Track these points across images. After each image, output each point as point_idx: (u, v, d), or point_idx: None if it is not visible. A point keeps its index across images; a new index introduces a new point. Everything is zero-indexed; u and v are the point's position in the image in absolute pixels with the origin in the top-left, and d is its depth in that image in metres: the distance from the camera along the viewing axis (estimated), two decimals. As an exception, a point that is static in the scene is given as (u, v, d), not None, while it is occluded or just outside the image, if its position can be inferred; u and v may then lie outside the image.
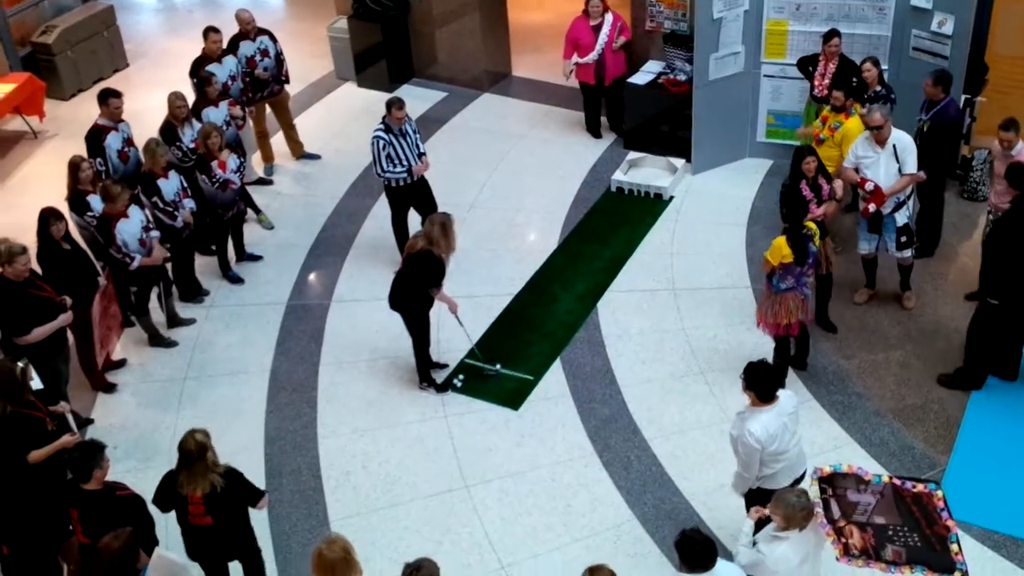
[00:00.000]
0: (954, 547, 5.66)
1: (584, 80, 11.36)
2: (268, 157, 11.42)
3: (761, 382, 6.11)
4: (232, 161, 9.38)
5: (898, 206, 8.47)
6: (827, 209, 8.29)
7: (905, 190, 8.46)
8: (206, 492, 5.95)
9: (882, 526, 5.80)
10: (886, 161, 8.36)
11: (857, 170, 8.48)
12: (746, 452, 6.14)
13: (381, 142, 9.13)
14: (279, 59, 10.96)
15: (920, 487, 5.85)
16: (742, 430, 6.12)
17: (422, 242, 7.94)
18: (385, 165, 9.18)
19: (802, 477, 6.44)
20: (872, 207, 8.36)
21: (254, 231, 10.38)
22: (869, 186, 8.34)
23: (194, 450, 5.92)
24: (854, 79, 9.36)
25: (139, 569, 5.52)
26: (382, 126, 9.18)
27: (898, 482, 5.89)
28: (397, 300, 8.17)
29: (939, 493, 5.78)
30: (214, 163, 9.21)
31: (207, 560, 6.35)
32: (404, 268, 8.13)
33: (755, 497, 6.42)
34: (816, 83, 9.84)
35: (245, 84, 10.70)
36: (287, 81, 11.16)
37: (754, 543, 5.68)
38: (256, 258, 10.10)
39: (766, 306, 7.87)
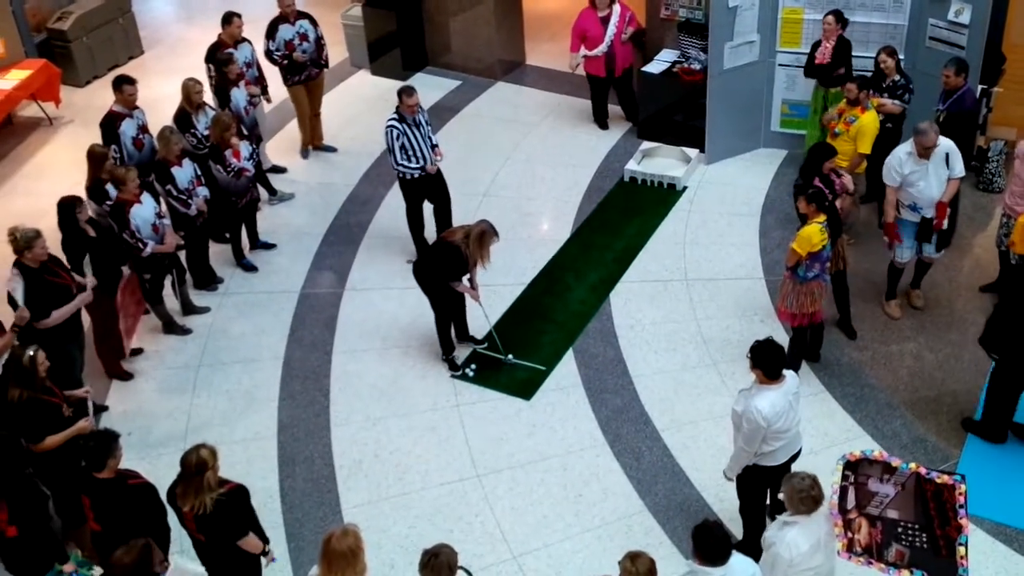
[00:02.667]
0: (961, 550, 5.66)
1: (594, 73, 11.29)
2: (315, 139, 11.50)
3: (768, 359, 6.16)
4: (245, 149, 9.40)
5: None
6: (842, 203, 8.21)
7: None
8: (196, 512, 5.78)
9: (893, 522, 5.79)
10: (935, 170, 8.15)
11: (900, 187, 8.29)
12: (751, 428, 6.18)
13: (395, 131, 9.07)
14: (319, 43, 10.96)
15: (945, 478, 5.84)
16: (748, 406, 6.18)
17: (459, 235, 8.07)
18: (399, 157, 9.13)
19: (798, 454, 6.52)
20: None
21: (267, 219, 10.40)
22: (928, 213, 8.25)
23: (193, 465, 5.73)
24: (859, 72, 9.37)
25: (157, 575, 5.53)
26: (396, 115, 9.13)
27: (923, 471, 5.87)
28: (419, 273, 8.32)
29: (963, 487, 5.76)
30: (228, 152, 9.22)
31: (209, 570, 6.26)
32: (432, 250, 8.34)
33: (749, 477, 6.48)
34: (818, 59, 9.81)
35: (260, 72, 10.71)
36: (326, 65, 11.17)
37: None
38: (270, 246, 10.12)
39: (791, 298, 7.82)
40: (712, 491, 7.36)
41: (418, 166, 9.17)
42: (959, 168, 8.23)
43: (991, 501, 7.08)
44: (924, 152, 8.05)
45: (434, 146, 9.33)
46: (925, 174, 8.14)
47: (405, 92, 9.11)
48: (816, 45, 9.88)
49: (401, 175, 9.33)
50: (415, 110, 9.09)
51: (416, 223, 9.66)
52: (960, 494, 5.76)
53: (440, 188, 9.54)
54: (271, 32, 10.70)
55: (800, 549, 5.46)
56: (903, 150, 8.21)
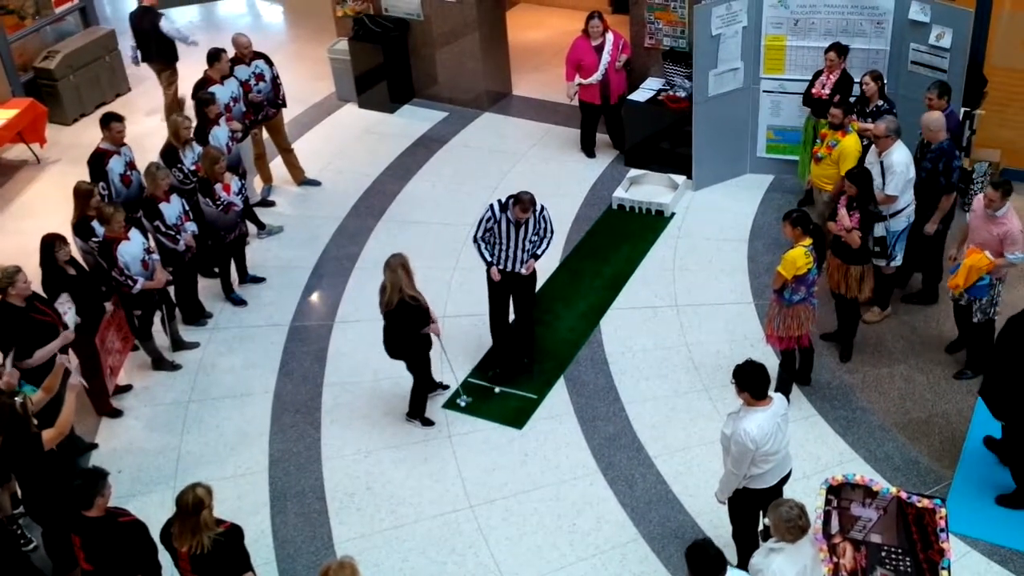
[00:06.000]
0: (944, 574, 5.66)
1: (589, 100, 11.36)
2: (267, 179, 11.46)
3: (752, 381, 6.19)
4: (235, 184, 9.41)
5: (877, 218, 8.48)
6: (852, 238, 8.10)
7: (888, 208, 8.47)
8: (193, 551, 5.73)
9: (877, 546, 5.80)
10: (876, 173, 8.43)
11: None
12: (739, 451, 6.19)
13: (488, 213, 8.34)
14: (275, 83, 10.98)
15: (926, 502, 5.85)
16: (736, 428, 6.20)
17: (396, 296, 7.70)
18: (479, 234, 8.40)
19: (787, 476, 6.52)
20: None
21: (256, 253, 10.38)
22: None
23: (190, 505, 5.69)
24: (851, 97, 9.41)
25: None
26: (503, 202, 8.35)
27: (904, 496, 5.89)
28: (396, 350, 8.07)
29: (943, 511, 5.77)
30: (218, 186, 9.23)
31: None
32: (389, 324, 7.92)
33: (740, 500, 6.47)
34: (815, 91, 9.86)
35: (247, 106, 10.74)
36: (283, 104, 11.18)
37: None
38: (259, 280, 10.11)
39: (777, 320, 7.87)
40: (706, 517, 7.33)
41: (489, 260, 8.42)
42: (889, 186, 8.40)
43: (985, 522, 7.07)
44: (875, 145, 8.46)
45: (534, 254, 8.42)
46: (871, 170, 8.44)
47: (519, 205, 8.15)
48: (818, 74, 9.93)
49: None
50: (521, 219, 8.23)
51: (495, 318, 8.84)
52: (941, 518, 5.77)
53: (522, 289, 8.66)
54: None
55: None
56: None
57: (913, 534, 5.80)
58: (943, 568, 5.68)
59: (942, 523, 5.75)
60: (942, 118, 8.60)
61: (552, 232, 8.51)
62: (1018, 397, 6.80)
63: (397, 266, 7.72)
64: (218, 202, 9.22)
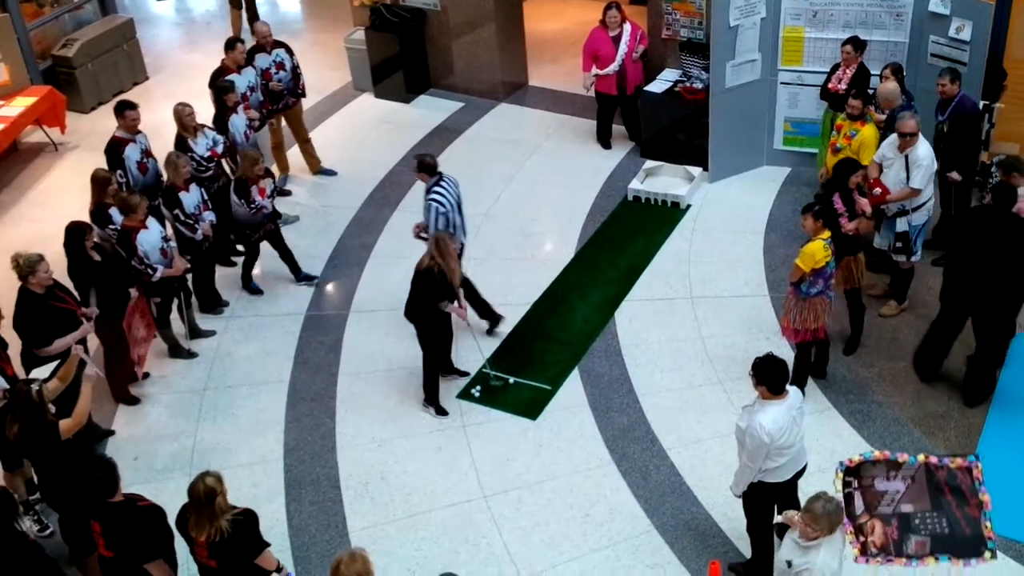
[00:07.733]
0: (988, 524, 5.64)
1: (606, 91, 11.34)
2: (283, 168, 11.47)
3: (772, 375, 6.18)
4: (269, 186, 9.41)
5: (900, 213, 8.50)
6: (859, 225, 8.15)
7: (911, 202, 8.45)
8: (211, 539, 5.75)
9: (908, 515, 5.79)
10: (898, 168, 8.41)
11: (881, 169, 8.58)
12: (754, 444, 6.18)
13: None
14: (295, 72, 11.00)
15: (959, 461, 5.85)
16: (751, 422, 6.19)
17: (427, 260, 7.92)
18: None
19: (803, 470, 6.52)
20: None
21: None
22: (876, 190, 8.45)
23: (202, 494, 5.71)
24: (869, 90, 9.36)
25: None
26: None
27: (935, 460, 5.87)
28: (410, 311, 8.20)
29: (979, 465, 5.77)
30: (254, 188, 9.24)
31: None
32: (412, 284, 8.12)
33: (755, 494, 6.46)
34: (831, 86, 9.81)
35: (264, 95, 10.76)
36: (303, 94, 11.20)
37: (788, 564, 5.66)
38: (312, 279, 10.01)
39: (793, 313, 7.86)
40: (720, 509, 7.34)
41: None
42: (915, 179, 8.38)
43: (1000, 516, 7.01)
44: (901, 142, 8.37)
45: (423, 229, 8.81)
46: (892, 166, 8.45)
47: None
48: (835, 68, 9.88)
49: None
50: (424, 180, 8.75)
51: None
52: (978, 471, 5.76)
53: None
54: (249, 61, 10.67)
55: (833, 568, 5.51)
56: (891, 137, 8.59)
57: (947, 494, 5.78)
58: (986, 519, 5.68)
59: (980, 476, 5.75)
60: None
61: (431, 229, 8.50)
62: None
63: (435, 239, 7.94)
64: (252, 205, 9.23)
